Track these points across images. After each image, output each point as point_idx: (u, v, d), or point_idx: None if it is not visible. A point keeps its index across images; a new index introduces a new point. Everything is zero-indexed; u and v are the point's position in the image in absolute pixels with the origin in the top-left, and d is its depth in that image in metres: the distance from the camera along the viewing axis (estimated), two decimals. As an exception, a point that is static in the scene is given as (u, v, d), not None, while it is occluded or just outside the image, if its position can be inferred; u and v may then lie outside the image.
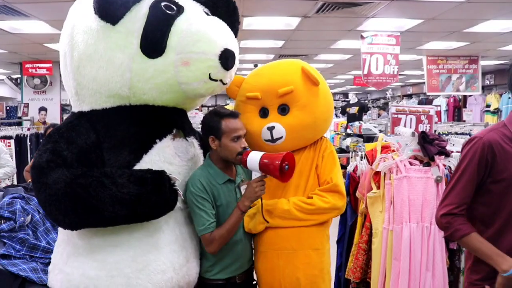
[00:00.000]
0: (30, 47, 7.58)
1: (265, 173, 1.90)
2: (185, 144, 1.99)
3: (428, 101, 12.83)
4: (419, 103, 13.33)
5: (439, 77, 8.58)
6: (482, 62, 8.89)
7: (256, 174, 2.07)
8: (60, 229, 1.99)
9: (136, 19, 1.74)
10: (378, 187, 2.52)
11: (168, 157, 1.87)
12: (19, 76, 9.64)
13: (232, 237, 1.97)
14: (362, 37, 6.25)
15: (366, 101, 19.39)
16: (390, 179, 2.42)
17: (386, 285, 2.37)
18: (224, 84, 1.92)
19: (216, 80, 1.85)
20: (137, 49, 1.75)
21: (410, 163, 2.44)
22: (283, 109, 2.09)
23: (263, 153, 1.89)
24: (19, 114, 8.74)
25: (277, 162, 1.83)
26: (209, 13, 1.99)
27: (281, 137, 2.07)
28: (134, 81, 1.79)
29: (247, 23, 6.06)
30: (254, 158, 1.88)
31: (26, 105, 8.80)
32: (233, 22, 2.03)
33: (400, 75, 13.06)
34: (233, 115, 1.97)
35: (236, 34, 2.03)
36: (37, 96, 9.32)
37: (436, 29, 6.48)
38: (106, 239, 1.82)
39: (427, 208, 2.34)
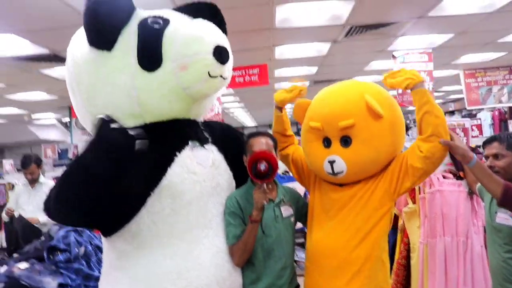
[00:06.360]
0: (77, 92, 8.05)
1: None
2: (203, 151, 2.05)
3: (471, 116, 12.42)
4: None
5: (479, 91, 8.36)
6: (525, 71, 8.61)
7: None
8: (104, 257, 2.06)
9: (128, 40, 1.84)
10: (414, 202, 2.54)
11: (191, 167, 1.93)
12: (68, 119, 10.22)
13: (255, 251, 2.01)
14: (393, 57, 6.25)
15: (408, 121, 18.97)
16: (424, 193, 2.44)
17: (426, 300, 2.36)
18: (224, 79, 1.95)
19: (216, 77, 1.89)
20: (136, 67, 1.83)
21: (444, 177, 2.45)
22: (346, 141, 1.96)
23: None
24: (70, 156, 9.23)
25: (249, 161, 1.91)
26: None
27: (342, 171, 1.97)
28: (141, 98, 1.86)
29: (278, 52, 6.23)
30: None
31: (76, 147, 9.31)
32: (219, 23, 2.05)
33: (439, 91, 12.86)
34: (256, 135, 2.10)
35: (225, 34, 2.05)
36: (85, 137, 9.82)
37: (469, 42, 6.41)
38: (148, 259, 1.87)
39: (462, 222, 2.33)
